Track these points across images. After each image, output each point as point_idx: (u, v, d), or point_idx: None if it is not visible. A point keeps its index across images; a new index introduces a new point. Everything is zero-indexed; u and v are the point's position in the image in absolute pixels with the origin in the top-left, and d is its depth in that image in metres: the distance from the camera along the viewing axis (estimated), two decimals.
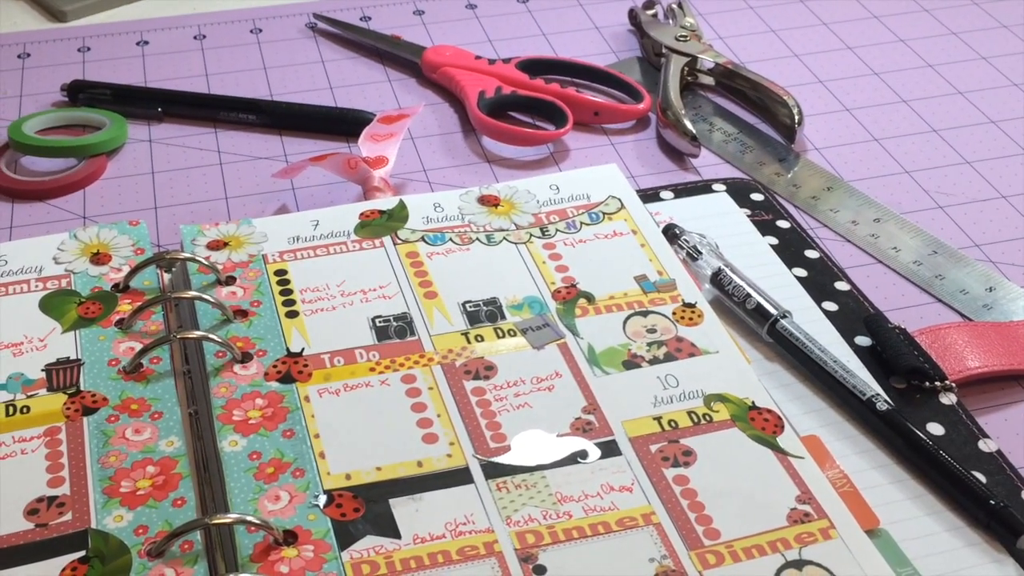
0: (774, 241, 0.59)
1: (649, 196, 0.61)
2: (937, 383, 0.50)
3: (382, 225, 0.57)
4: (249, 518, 0.42)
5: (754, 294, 0.53)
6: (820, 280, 0.56)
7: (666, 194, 0.62)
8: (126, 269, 0.54)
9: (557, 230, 0.57)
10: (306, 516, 0.44)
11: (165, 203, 0.62)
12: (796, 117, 0.66)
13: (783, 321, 0.52)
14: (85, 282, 0.54)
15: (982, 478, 0.46)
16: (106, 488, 0.44)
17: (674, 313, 0.53)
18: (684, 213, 0.60)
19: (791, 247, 0.58)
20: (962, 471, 0.46)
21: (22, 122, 0.65)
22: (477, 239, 0.57)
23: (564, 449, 0.47)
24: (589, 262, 0.56)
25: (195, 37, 0.76)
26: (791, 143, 0.66)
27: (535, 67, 0.71)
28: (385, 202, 0.59)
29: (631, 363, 0.50)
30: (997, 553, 0.44)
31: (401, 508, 0.44)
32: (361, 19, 0.79)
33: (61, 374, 0.49)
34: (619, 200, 0.59)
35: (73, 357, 0.50)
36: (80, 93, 0.69)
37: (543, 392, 0.49)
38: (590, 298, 0.54)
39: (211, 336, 0.49)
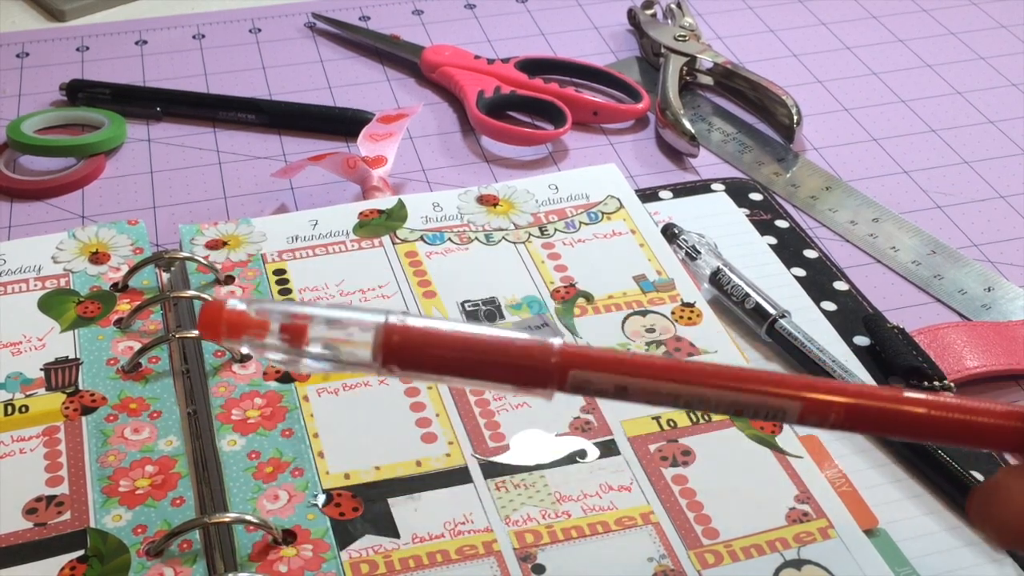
0: (773, 241, 0.59)
1: (648, 196, 0.61)
2: (936, 383, 0.50)
3: (381, 225, 0.57)
4: (248, 517, 0.42)
5: (753, 294, 0.53)
6: (819, 280, 0.56)
7: (665, 194, 0.62)
8: (125, 268, 0.54)
9: (556, 230, 0.57)
10: (305, 515, 0.44)
11: (164, 202, 0.62)
12: (795, 117, 0.66)
13: (782, 321, 0.52)
14: (84, 281, 0.54)
15: (980, 477, 0.46)
16: (105, 487, 0.44)
17: (673, 313, 0.53)
18: (683, 213, 0.60)
19: (790, 247, 0.58)
20: (961, 470, 0.46)
21: (21, 121, 0.65)
22: (476, 239, 0.57)
23: (563, 449, 0.47)
24: (588, 262, 0.56)
25: (194, 37, 0.76)
26: (790, 143, 0.66)
27: (534, 67, 0.71)
28: (384, 202, 0.59)
29: None
30: (995, 552, 0.44)
31: (400, 507, 0.44)
32: (360, 19, 0.79)
33: (60, 373, 0.49)
34: (618, 200, 0.59)
35: (72, 356, 0.50)
36: (79, 92, 0.69)
37: None
38: (589, 298, 0.54)
39: None
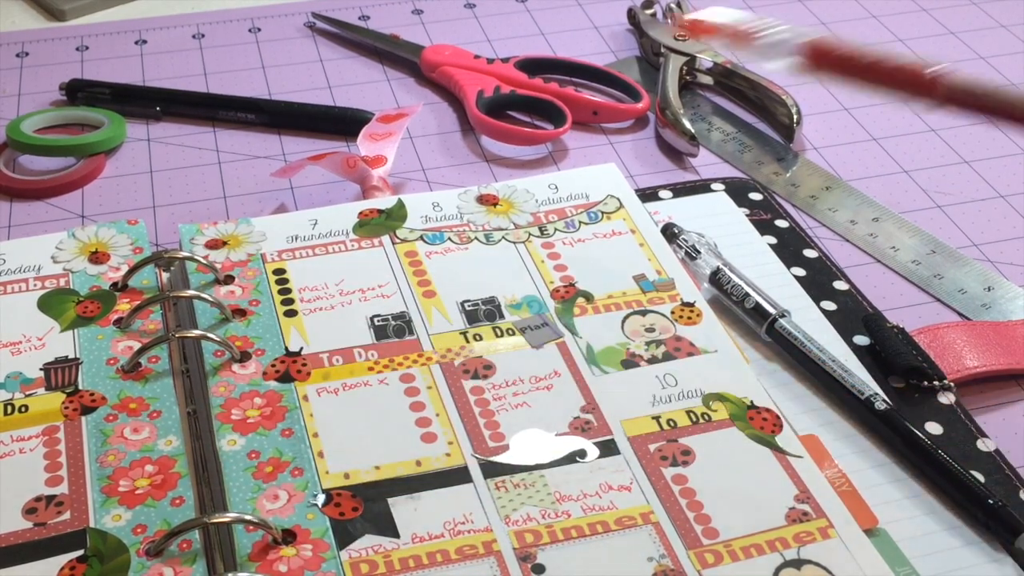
0: (773, 240, 0.59)
1: (648, 195, 0.61)
2: (936, 382, 0.50)
3: (381, 224, 0.57)
4: (248, 517, 0.42)
5: (753, 293, 0.53)
6: (819, 279, 0.56)
7: (665, 193, 0.62)
8: (125, 268, 0.54)
9: (556, 229, 0.57)
10: (305, 515, 0.44)
11: (163, 202, 0.62)
12: (795, 116, 0.66)
13: (782, 320, 0.52)
14: (83, 281, 0.54)
15: (980, 477, 0.46)
16: (104, 487, 0.44)
17: (673, 312, 0.53)
18: (683, 212, 0.60)
19: (790, 246, 0.58)
20: (960, 470, 0.46)
21: (20, 121, 0.65)
22: (476, 238, 0.57)
23: (563, 448, 0.47)
24: (588, 261, 0.56)
25: (194, 36, 0.76)
26: (790, 142, 0.66)
27: (534, 66, 0.71)
28: (384, 201, 0.59)
29: (630, 362, 0.50)
30: (995, 552, 0.44)
31: (400, 507, 0.44)
32: (360, 18, 0.79)
33: (59, 373, 0.49)
34: (618, 199, 0.59)
35: (71, 356, 0.50)
36: (79, 92, 0.69)
37: (542, 391, 0.49)
38: (589, 297, 0.54)
39: (210, 335, 0.49)
